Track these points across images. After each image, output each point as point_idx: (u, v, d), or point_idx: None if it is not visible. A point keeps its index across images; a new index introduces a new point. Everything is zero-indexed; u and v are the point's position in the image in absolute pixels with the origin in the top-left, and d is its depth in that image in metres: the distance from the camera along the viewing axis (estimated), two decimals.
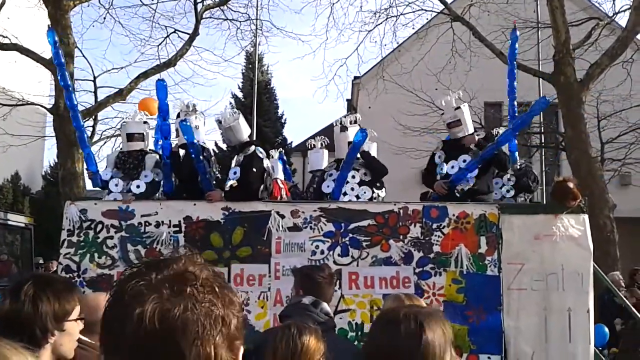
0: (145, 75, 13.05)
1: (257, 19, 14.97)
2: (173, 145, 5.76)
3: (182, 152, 5.69)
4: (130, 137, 5.78)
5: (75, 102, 5.85)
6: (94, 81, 13.90)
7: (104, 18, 13.89)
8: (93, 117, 13.52)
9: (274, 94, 30.47)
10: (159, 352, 0.94)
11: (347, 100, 27.14)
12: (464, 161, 5.51)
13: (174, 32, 14.11)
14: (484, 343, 4.90)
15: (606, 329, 8.39)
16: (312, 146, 7.20)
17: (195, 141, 5.50)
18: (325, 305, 3.23)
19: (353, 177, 5.59)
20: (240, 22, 14.76)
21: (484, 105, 17.10)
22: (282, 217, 5.22)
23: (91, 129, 13.70)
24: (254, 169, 5.37)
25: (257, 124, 17.82)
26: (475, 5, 13.99)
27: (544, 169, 17.51)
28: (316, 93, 38.05)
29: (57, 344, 2.10)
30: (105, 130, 15.25)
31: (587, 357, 4.90)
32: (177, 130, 5.70)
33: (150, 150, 5.94)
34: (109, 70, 14.99)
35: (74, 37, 11.93)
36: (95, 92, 13.89)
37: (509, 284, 5.02)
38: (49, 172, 22.43)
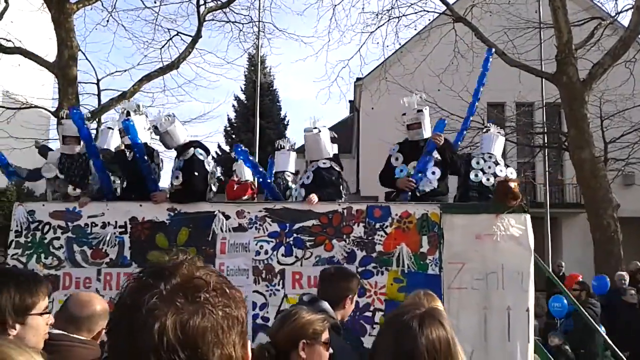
0: (148, 77, 13.10)
1: (259, 21, 15.03)
2: (118, 145, 5.76)
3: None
4: (65, 140, 5.65)
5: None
6: (97, 84, 13.97)
7: (107, 21, 13.95)
8: (97, 119, 13.56)
9: (276, 95, 30.50)
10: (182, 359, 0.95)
11: (350, 101, 27.18)
12: (428, 161, 5.56)
13: (177, 34, 14.17)
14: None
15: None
16: (281, 147, 7.19)
17: (139, 141, 5.47)
18: (323, 303, 3.27)
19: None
20: (242, 24, 14.81)
21: (486, 106, 17.10)
22: (227, 217, 5.24)
23: (95, 131, 13.74)
24: (196, 173, 5.35)
25: (259, 126, 17.84)
26: (478, 6, 14.00)
27: (547, 169, 17.50)
28: (319, 94, 38.00)
29: (19, 337, 2.06)
30: None
31: (526, 355, 4.92)
32: (121, 131, 5.63)
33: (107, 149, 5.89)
34: (112, 73, 15.12)
35: (77, 40, 11.97)
36: (98, 95, 13.96)
37: (449, 283, 5.04)
38: None
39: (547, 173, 17.75)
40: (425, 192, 5.47)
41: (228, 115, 29.82)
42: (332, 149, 5.91)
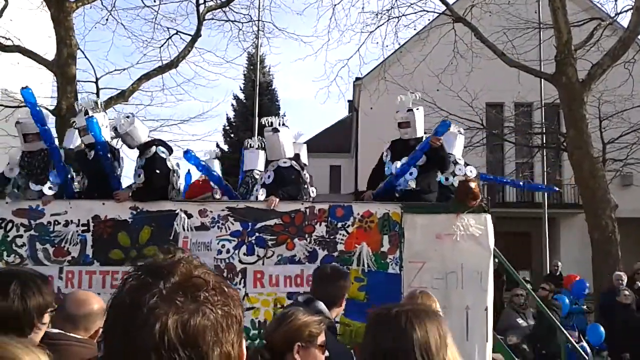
0: (147, 76, 13.07)
1: (259, 20, 15.01)
2: (78, 144, 5.74)
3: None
4: (26, 138, 5.65)
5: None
6: (96, 83, 13.92)
7: (107, 20, 13.91)
8: None
9: (275, 95, 30.53)
10: (183, 358, 0.96)
11: (349, 101, 27.17)
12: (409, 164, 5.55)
13: (176, 33, 14.12)
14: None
15: (602, 329, 8.41)
16: (250, 145, 7.19)
17: (102, 139, 5.47)
18: (319, 303, 3.29)
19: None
20: (242, 23, 14.78)
21: (485, 106, 17.10)
22: (190, 216, 5.26)
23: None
24: (157, 171, 5.38)
25: (258, 125, 17.83)
26: (477, 6, 13.99)
27: (545, 169, 17.52)
28: (318, 94, 37.96)
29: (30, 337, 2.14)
30: None
31: (484, 355, 4.95)
32: (80, 129, 5.61)
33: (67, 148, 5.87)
34: (111, 72, 15.02)
35: (77, 39, 11.94)
36: (97, 94, 13.90)
37: (409, 282, 5.06)
38: None
39: (545, 173, 17.77)
40: (403, 192, 5.47)
41: (227, 114, 29.83)
42: (295, 149, 5.94)
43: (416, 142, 5.63)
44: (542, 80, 14.83)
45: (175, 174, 5.59)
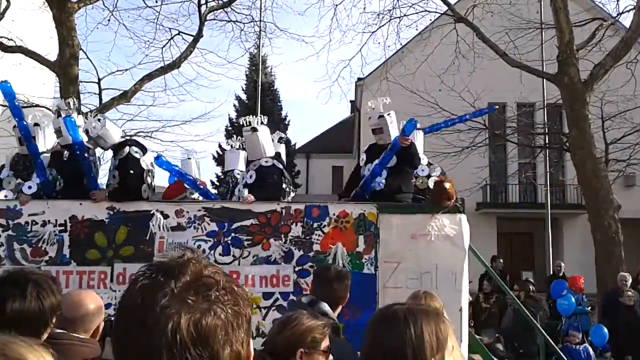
0: (149, 77, 13.09)
1: (260, 21, 15.02)
2: (54, 145, 5.75)
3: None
4: (20, 141, 5.70)
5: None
6: (99, 83, 13.95)
7: (109, 20, 13.93)
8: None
9: (277, 95, 30.55)
10: (195, 357, 0.98)
11: (351, 101, 27.18)
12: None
13: (178, 34, 14.15)
14: (360, 340, 4.89)
15: (605, 330, 8.39)
16: (231, 146, 7.20)
17: (80, 138, 5.47)
18: (323, 304, 3.27)
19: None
20: (244, 23, 14.79)
21: (487, 106, 17.08)
22: (166, 216, 5.26)
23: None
24: (131, 171, 5.38)
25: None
26: (479, 7, 13.98)
27: (548, 169, 17.49)
28: (320, 94, 37.92)
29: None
30: None
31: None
32: (57, 130, 5.59)
33: (46, 150, 5.82)
34: (113, 72, 15.07)
35: (79, 39, 11.96)
36: (99, 94, 13.94)
37: (385, 282, 5.06)
38: None
39: (548, 174, 17.74)
40: (374, 192, 5.46)
41: (229, 114, 29.84)
42: (275, 147, 5.92)
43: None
44: (545, 80, 14.81)
45: (150, 174, 5.58)
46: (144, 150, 5.66)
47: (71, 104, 5.71)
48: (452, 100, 15.40)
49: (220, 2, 14.03)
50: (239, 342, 1.03)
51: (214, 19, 14.47)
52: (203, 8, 13.49)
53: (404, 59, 16.08)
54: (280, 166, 5.79)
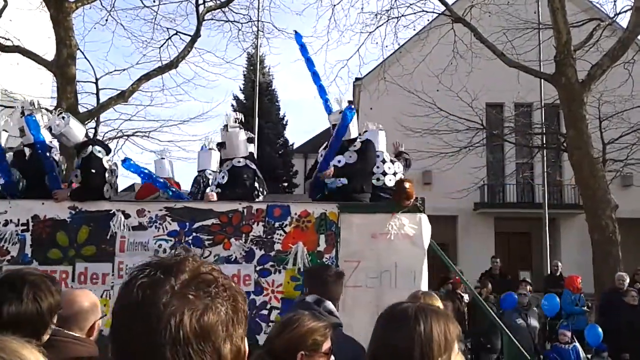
0: (147, 77, 13.07)
1: (258, 21, 15.00)
2: (18, 144, 5.75)
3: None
4: None
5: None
6: (96, 83, 13.93)
7: (106, 20, 13.90)
8: (95, 118, 13.53)
9: (275, 95, 30.53)
10: (198, 352, 1.00)
11: (349, 101, 27.15)
12: (339, 161, 5.53)
13: (176, 33, 14.12)
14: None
15: (600, 329, 8.40)
16: (204, 146, 7.21)
17: (42, 138, 5.48)
18: (328, 303, 3.29)
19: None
20: (241, 23, 14.77)
21: (485, 107, 17.11)
22: (128, 216, 5.27)
23: (93, 130, 13.73)
24: (93, 170, 5.38)
25: (258, 126, 17.85)
26: (476, 7, 13.99)
27: (545, 169, 17.51)
28: (317, 95, 37.78)
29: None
30: (107, 132, 15.31)
31: None
32: (21, 129, 5.61)
33: (8, 149, 5.85)
34: (111, 72, 15.05)
35: (76, 39, 11.94)
36: (97, 94, 13.92)
37: (345, 281, 5.08)
38: None
39: (545, 174, 17.76)
40: (332, 191, 5.47)
41: (227, 114, 29.78)
42: (248, 148, 5.93)
43: (349, 143, 5.60)
44: (542, 80, 14.82)
45: (112, 174, 5.58)
46: (107, 150, 5.66)
47: (35, 103, 5.71)
48: (449, 100, 15.42)
49: (218, 2, 14.02)
50: (239, 338, 1.06)
51: (212, 19, 14.46)
52: (201, 8, 13.47)
53: (401, 59, 16.07)
54: (253, 166, 5.80)
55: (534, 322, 9.08)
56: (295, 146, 30.39)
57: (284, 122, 30.40)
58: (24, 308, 2.09)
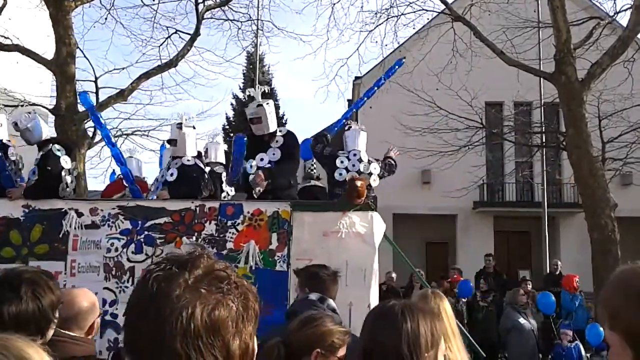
0: (146, 75, 13.06)
1: (258, 19, 15.00)
2: None
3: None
4: None
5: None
6: (96, 82, 13.90)
7: (105, 19, 13.89)
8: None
9: (275, 94, 30.51)
10: (207, 345, 1.03)
11: (348, 100, 27.12)
12: (262, 160, 5.55)
13: (175, 32, 14.11)
14: (272, 337, 4.92)
15: (600, 329, 8.42)
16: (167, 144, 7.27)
17: None
18: (331, 301, 3.36)
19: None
20: (241, 22, 14.76)
21: (484, 105, 17.10)
22: (81, 215, 5.27)
23: (92, 129, 13.71)
24: (49, 167, 5.41)
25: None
26: (476, 5, 13.98)
27: (545, 168, 17.52)
28: (317, 93, 37.95)
29: None
30: None
31: None
32: None
33: None
34: (110, 71, 15.00)
35: (76, 38, 11.93)
36: (96, 93, 13.89)
37: (296, 280, 5.12)
38: None
39: (545, 172, 17.77)
40: (261, 191, 5.47)
41: (226, 113, 29.85)
42: (212, 148, 6.07)
43: (270, 138, 5.64)
44: (542, 79, 14.82)
45: (69, 173, 5.59)
46: (67, 149, 5.68)
47: None
48: (449, 99, 15.41)
49: (218, 0, 14.01)
50: (248, 335, 1.09)
51: (212, 18, 14.45)
52: (200, 6, 13.45)
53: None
54: (202, 166, 5.82)
55: (532, 321, 9.11)
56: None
57: (284, 121, 30.40)
58: (24, 307, 2.09)
